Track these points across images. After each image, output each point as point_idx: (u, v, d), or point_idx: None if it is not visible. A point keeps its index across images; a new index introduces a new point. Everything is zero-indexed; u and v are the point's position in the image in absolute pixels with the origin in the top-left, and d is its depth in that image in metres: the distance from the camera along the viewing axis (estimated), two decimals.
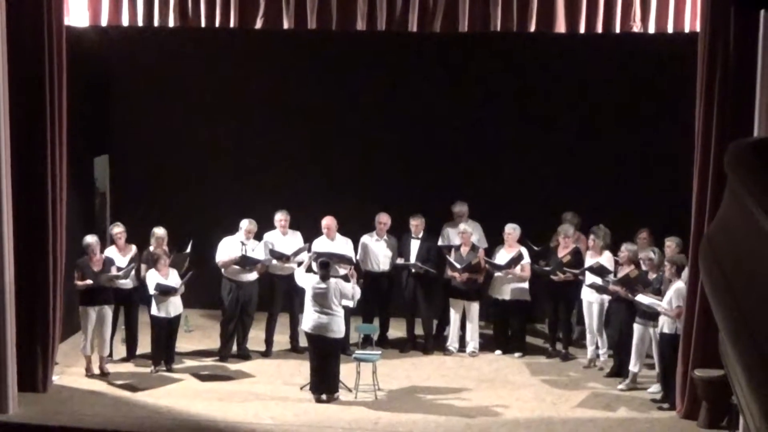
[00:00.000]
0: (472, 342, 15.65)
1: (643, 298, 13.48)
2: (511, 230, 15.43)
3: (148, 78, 17.24)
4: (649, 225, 15.16)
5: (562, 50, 15.73)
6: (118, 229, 15.04)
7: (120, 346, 15.17)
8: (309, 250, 15.26)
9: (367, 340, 15.12)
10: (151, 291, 14.36)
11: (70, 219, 14.29)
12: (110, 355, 14.79)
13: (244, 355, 15.34)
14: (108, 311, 14.43)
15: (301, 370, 14.28)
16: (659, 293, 13.54)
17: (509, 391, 14.11)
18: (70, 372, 14.55)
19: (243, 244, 15.15)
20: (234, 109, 17.17)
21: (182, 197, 17.19)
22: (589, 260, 14.85)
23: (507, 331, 15.82)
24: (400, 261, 15.66)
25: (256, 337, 15.62)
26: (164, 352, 14.67)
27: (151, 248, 14.97)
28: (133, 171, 17.48)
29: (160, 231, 15.06)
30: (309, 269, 14.38)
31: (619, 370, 14.37)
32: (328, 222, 15.47)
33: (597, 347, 15.03)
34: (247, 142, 17.23)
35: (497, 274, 15.47)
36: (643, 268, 14.05)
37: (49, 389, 13.72)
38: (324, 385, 13.51)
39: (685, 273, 13.12)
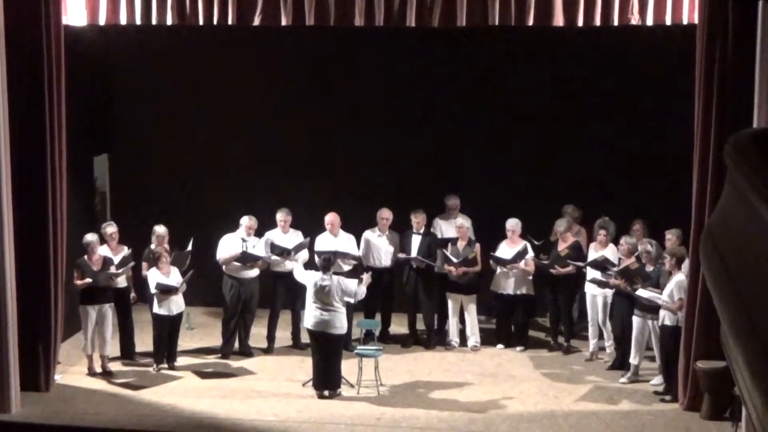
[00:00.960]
0: (473, 336, 15.66)
1: (643, 292, 13.48)
2: (513, 225, 15.43)
3: (147, 76, 17.25)
4: (646, 217, 15.16)
5: (560, 43, 15.73)
6: (112, 229, 15.01)
7: (116, 345, 15.14)
8: (310, 246, 15.28)
9: (368, 336, 15.12)
10: (152, 290, 14.36)
11: (71, 218, 14.28)
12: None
13: (246, 352, 15.35)
14: (108, 310, 14.43)
15: (303, 366, 14.29)
16: (658, 286, 13.54)
17: (512, 385, 14.12)
18: (72, 371, 14.56)
19: (244, 240, 15.16)
20: (233, 106, 17.18)
21: (182, 195, 17.20)
22: (593, 253, 14.85)
23: (510, 325, 15.83)
24: (401, 255, 15.67)
25: (258, 334, 15.64)
26: (166, 350, 14.67)
27: (152, 246, 14.97)
28: (133, 169, 17.50)
29: (160, 229, 15.05)
30: (308, 266, 14.36)
31: (621, 363, 14.38)
32: (331, 218, 15.48)
33: (599, 340, 15.03)
34: (246, 139, 17.23)
35: (500, 269, 15.46)
36: (642, 260, 14.05)
37: (52, 389, 13.73)
38: (326, 381, 13.52)
39: (686, 265, 13.13)
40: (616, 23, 13.05)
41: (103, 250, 14.82)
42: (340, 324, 13.58)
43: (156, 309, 14.47)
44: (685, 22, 12.94)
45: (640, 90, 16.14)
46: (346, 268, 15.04)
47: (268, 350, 15.57)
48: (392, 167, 16.95)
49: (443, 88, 16.83)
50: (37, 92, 13.17)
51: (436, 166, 16.86)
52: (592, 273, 14.65)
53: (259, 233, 15.41)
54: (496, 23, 13.24)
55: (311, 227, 15.62)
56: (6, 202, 12.57)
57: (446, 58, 16.69)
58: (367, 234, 15.82)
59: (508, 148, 16.73)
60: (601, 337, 15.04)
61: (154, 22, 13.82)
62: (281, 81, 17.03)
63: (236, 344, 15.39)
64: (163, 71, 17.19)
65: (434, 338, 15.87)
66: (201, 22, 13.69)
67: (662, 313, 13.33)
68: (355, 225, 15.79)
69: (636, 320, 13.77)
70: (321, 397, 13.45)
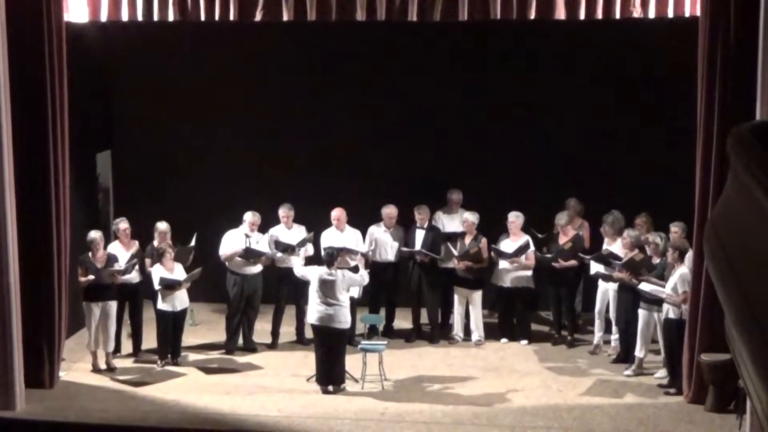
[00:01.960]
0: (477, 330, 15.67)
1: (645, 286, 13.47)
2: (515, 218, 15.42)
3: (149, 73, 17.24)
4: (650, 210, 15.14)
5: (562, 37, 15.71)
6: (124, 225, 15.03)
7: (126, 342, 15.17)
8: (316, 241, 15.29)
9: (372, 331, 15.14)
10: (156, 286, 14.36)
11: (74, 215, 14.31)
12: (117, 350, 14.81)
13: (250, 347, 15.36)
14: (112, 306, 14.43)
15: (307, 361, 14.29)
16: (662, 278, 13.53)
17: (515, 379, 14.12)
18: (76, 368, 14.57)
19: (247, 236, 15.16)
20: (236, 102, 17.17)
21: (185, 191, 17.19)
22: (605, 247, 14.83)
23: (512, 319, 15.83)
24: (405, 250, 15.66)
25: (262, 330, 15.65)
26: (170, 347, 14.67)
27: (155, 243, 14.96)
28: (136, 166, 17.49)
29: (163, 225, 15.04)
30: (313, 260, 14.36)
31: (626, 356, 14.37)
32: (337, 213, 15.48)
33: (604, 333, 15.02)
34: (249, 134, 17.23)
35: (502, 263, 15.46)
36: (648, 253, 14.04)
37: (56, 385, 13.74)
38: (331, 376, 13.52)
39: (689, 258, 13.11)
40: (618, 16, 13.05)
41: (115, 246, 14.86)
42: (344, 318, 13.58)
43: (160, 305, 14.47)
44: (687, 14, 12.94)
45: (642, 83, 16.12)
46: (352, 263, 15.04)
47: (272, 346, 15.57)
48: (395, 162, 16.93)
49: (445, 82, 16.82)
50: (40, 89, 13.16)
51: (438, 161, 16.84)
52: (596, 267, 14.63)
53: (262, 229, 15.41)
54: (498, 17, 13.24)
55: (317, 223, 15.62)
56: (9, 199, 12.58)
57: (448, 53, 16.68)
58: (373, 229, 15.82)
59: (510, 141, 16.71)
60: (608, 330, 15.01)
61: (155, 18, 13.82)
62: (284, 76, 17.02)
63: (240, 340, 15.40)
64: (165, 67, 17.19)
65: (438, 333, 15.87)
66: (203, 18, 13.70)
67: (666, 306, 13.32)
68: (360, 220, 15.78)
69: (642, 313, 13.76)
70: (325, 392, 13.45)
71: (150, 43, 16.40)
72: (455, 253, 15.35)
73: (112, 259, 14.50)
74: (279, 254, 15.37)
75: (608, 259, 14.49)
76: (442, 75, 16.83)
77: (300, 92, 17.01)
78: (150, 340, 15.04)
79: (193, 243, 15.21)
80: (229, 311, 15.40)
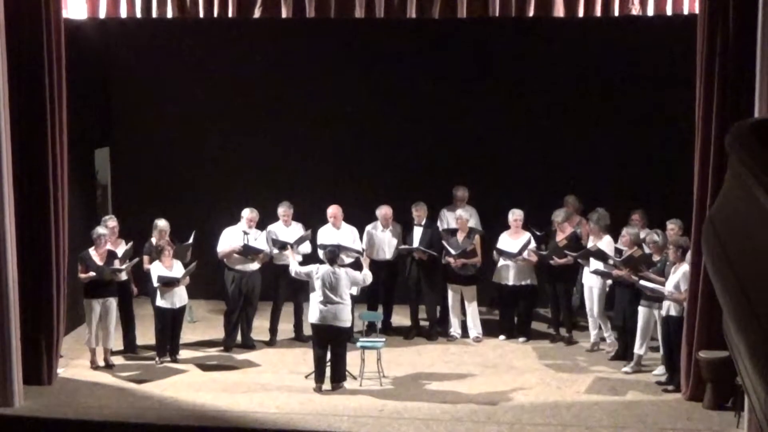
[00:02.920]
0: (475, 328, 15.67)
1: (646, 283, 13.47)
2: (517, 215, 15.41)
3: (148, 69, 17.24)
4: (648, 207, 15.15)
5: (560, 34, 15.72)
6: (113, 223, 15.00)
7: (118, 338, 15.15)
8: (312, 238, 15.30)
9: (371, 328, 15.14)
10: (155, 283, 14.36)
11: (72, 212, 14.30)
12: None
13: (249, 344, 15.36)
14: (112, 303, 14.44)
15: (305, 358, 14.29)
16: (662, 274, 13.53)
17: (514, 376, 14.13)
18: (75, 364, 14.57)
19: (245, 233, 15.16)
20: (234, 99, 17.16)
21: (183, 188, 17.20)
22: (590, 244, 14.84)
23: (513, 316, 15.83)
24: (403, 247, 15.67)
25: (260, 327, 15.65)
26: (169, 344, 14.68)
27: (153, 240, 14.96)
28: (134, 163, 17.50)
29: (162, 222, 15.03)
30: (310, 258, 14.35)
31: (624, 353, 14.38)
32: (334, 211, 15.49)
33: (599, 331, 15.02)
34: (247, 131, 17.22)
35: (502, 260, 15.46)
36: (647, 251, 14.04)
37: (55, 382, 13.75)
38: (333, 374, 13.50)
39: (689, 255, 13.11)
40: (617, 13, 13.05)
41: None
42: (347, 317, 13.60)
43: (158, 302, 14.48)
44: (685, 12, 12.94)
45: (641, 80, 16.13)
46: (348, 261, 15.05)
47: (271, 343, 15.58)
48: (394, 159, 16.95)
49: (444, 79, 16.82)
50: (38, 86, 13.16)
51: (437, 158, 16.85)
52: (595, 264, 14.63)
53: (260, 226, 15.40)
54: (497, 14, 13.24)
55: (313, 220, 15.63)
56: (7, 196, 12.57)
57: (447, 50, 16.67)
58: (370, 228, 15.82)
59: (509, 138, 16.72)
60: (600, 328, 15.02)
61: (154, 15, 13.82)
62: (282, 74, 17.01)
63: (239, 337, 15.40)
64: (163, 64, 17.18)
65: (436, 330, 15.88)
66: (201, 15, 13.70)
67: (666, 303, 13.32)
68: (358, 217, 15.78)
69: (642, 310, 13.75)
70: (320, 390, 13.42)
71: (148, 39, 16.41)
72: (452, 251, 15.35)
73: (112, 255, 14.49)
74: (276, 251, 15.37)
75: (595, 256, 14.46)
76: (440, 72, 16.82)
77: (299, 89, 17.00)
78: (148, 336, 15.03)
79: (191, 240, 15.20)
80: (227, 308, 15.40)
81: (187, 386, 13.78)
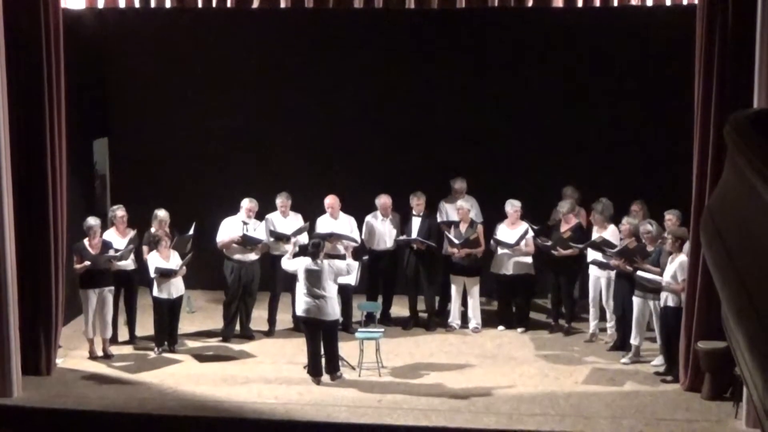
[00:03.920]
0: (474, 318, 15.68)
1: (644, 274, 13.47)
2: (516, 206, 15.40)
3: (146, 60, 17.22)
4: (647, 198, 15.15)
5: (559, 25, 15.71)
6: (121, 212, 14.99)
7: (122, 329, 15.17)
8: (310, 229, 15.29)
9: (369, 318, 15.14)
10: (152, 273, 14.36)
11: (71, 202, 14.29)
12: (114, 337, 14.81)
13: (247, 335, 15.36)
14: (108, 294, 14.43)
15: (303, 348, 14.24)
16: (658, 264, 13.53)
17: (512, 366, 14.13)
18: (73, 355, 14.57)
19: (244, 223, 15.15)
20: (233, 89, 17.15)
21: (183, 178, 17.19)
22: (595, 235, 14.83)
23: (511, 307, 15.83)
24: (402, 237, 15.66)
25: (258, 317, 15.65)
26: (167, 334, 14.68)
27: (153, 230, 14.96)
28: (133, 153, 17.48)
29: (161, 213, 15.03)
30: (296, 255, 14.29)
31: (622, 344, 14.37)
32: (331, 201, 15.48)
33: (600, 321, 15.02)
34: (246, 122, 17.21)
35: (500, 250, 15.45)
36: (643, 240, 14.04)
37: (53, 372, 13.75)
38: (327, 366, 13.48)
39: (687, 245, 13.11)
40: (616, 4, 13.07)
41: (111, 234, 14.83)
42: (332, 310, 13.45)
43: (155, 293, 14.48)
44: (684, 2, 12.94)
45: (639, 71, 16.12)
46: (344, 250, 15.06)
47: (269, 333, 15.58)
48: (393, 150, 16.93)
49: (443, 70, 16.81)
50: (36, 76, 13.15)
51: (436, 149, 16.84)
52: (593, 254, 14.64)
53: (259, 216, 15.40)
54: (496, 5, 13.24)
55: (312, 210, 15.63)
56: (6, 186, 12.56)
57: (446, 41, 16.66)
58: (369, 218, 15.82)
59: (508, 130, 16.71)
60: (602, 318, 15.03)
61: (152, 5, 13.82)
62: (281, 64, 16.99)
63: (237, 327, 15.40)
64: (162, 55, 17.16)
65: (435, 320, 15.88)
66: (200, 5, 13.70)
67: (664, 294, 13.32)
68: (357, 208, 15.78)
69: (636, 301, 13.76)
70: (318, 383, 13.41)
71: (147, 30, 16.40)
72: (455, 241, 15.34)
73: (107, 245, 14.48)
74: (273, 241, 15.36)
75: (602, 247, 14.48)
76: (440, 62, 16.81)
77: (298, 79, 16.99)
78: (147, 327, 15.04)
79: (191, 231, 15.18)
80: (226, 298, 15.39)
81: (185, 376, 13.78)
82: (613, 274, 14.50)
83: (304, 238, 15.33)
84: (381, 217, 15.80)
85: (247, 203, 15.23)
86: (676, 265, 13.18)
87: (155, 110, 17.31)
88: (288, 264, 13.96)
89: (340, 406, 12.66)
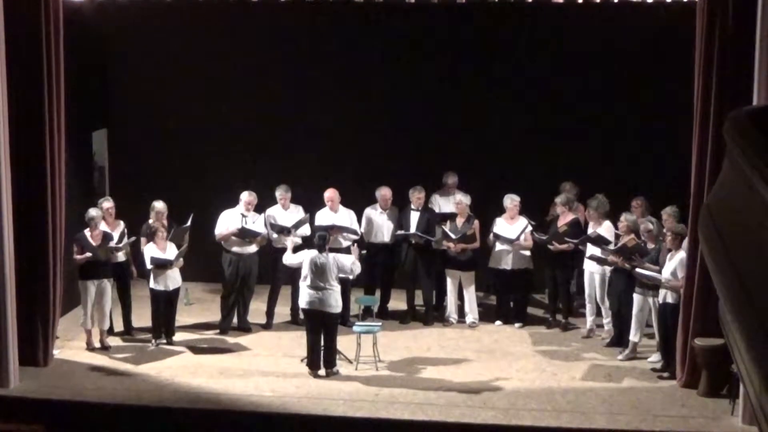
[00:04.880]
0: (472, 313, 15.68)
1: (643, 271, 13.46)
2: (515, 201, 15.39)
3: (146, 51, 17.20)
4: (646, 193, 15.14)
5: (560, 20, 15.69)
6: (108, 204, 14.97)
7: (117, 320, 15.16)
8: (310, 221, 15.30)
9: (367, 312, 15.14)
10: (148, 265, 14.36)
11: (69, 193, 14.29)
12: (111, 329, 14.82)
13: (245, 327, 15.36)
14: (107, 285, 14.44)
15: (301, 342, 14.28)
16: (657, 262, 13.53)
17: (509, 361, 14.13)
18: (70, 346, 14.57)
19: (243, 216, 15.14)
20: (232, 81, 17.14)
21: (181, 171, 17.18)
22: (591, 231, 14.83)
23: (509, 302, 15.83)
24: (400, 232, 15.66)
25: (256, 310, 15.64)
26: (164, 326, 14.67)
27: (150, 221, 14.95)
28: (132, 144, 17.47)
29: (159, 204, 15.03)
30: (307, 241, 14.31)
31: (619, 340, 14.37)
32: (330, 194, 15.48)
33: (596, 317, 15.03)
34: (246, 114, 17.19)
35: (499, 245, 15.45)
36: (642, 238, 14.03)
37: (50, 363, 13.75)
38: (324, 360, 13.48)
39: (686, 242, 13.10)
40: (616, 0, 13.03)
41: (101, 226, 14.81)
42: (336, 302, 13.51)
43: (152, 284, 14.47)
44: None
45: (639, 67, 16.10)
46: (345, 243, 15.06)
47: (267, 326, 15.58)
48: (392, 143, 16.93)
49: (442, 64, 16.80)
50: (36, 67, 13.13)
51: (434, 143, 16.84)
52: (591, 250, 14.63)
53: (258, 209, 15.39)
54: (495, 0, 13.22)
55: (311, 203, 15.62)
56: (5, 177, 12.56)
57: (446, 35, 16.64)
58: (369, 211, 15.83)
59: (507, 124, 16.70)
60: (598, 314, 15.03)
61: None
62: (281, 56, 16.97)
63: (235, 320, 15.40)
64: (162, 46, 17.14)
65: (432, 314, 15.89)
66: None
67: (663, 291, 13.32)
68: (356, 201, 15.77)
69: (636, 297, 13.76)
70: (316, 376, 13.42)
71: (147, 20, 16.37)
72: (453, 236, 15.33)
73: (107, 237, 14.48)
74: (275, 235, 15.37)
75: (597, 242, 14.47)
76: (439, 57, 16.80)
77: (297, 72, 16.97)
78: (144, 318, 15.03)
79: (189, 223, 15.18)
80: (224, 291, 15.39)
81: (182, 368, 13.78)
82: (608, 270, 14.50)
83: (305, 230, 15.33)
84: (380, 209, 15.79)
85: (246, 196, 15.22)
86: (675, 262, 13.18)
87: (154, 102, 17.27)
88: (291, 258, 13.98)
89: (336, 399, 12.66)
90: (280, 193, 15.47)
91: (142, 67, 17.25)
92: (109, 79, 17.62)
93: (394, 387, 13.10)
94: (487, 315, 15.87)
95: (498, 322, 15.75)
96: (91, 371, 13.69)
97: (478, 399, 12.73)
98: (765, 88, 11.32)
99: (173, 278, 14.54)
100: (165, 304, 14.57)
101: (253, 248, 15.30)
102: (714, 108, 12.10)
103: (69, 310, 15.43)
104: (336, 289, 13.51)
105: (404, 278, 15.96)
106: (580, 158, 16.29)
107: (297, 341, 14.60)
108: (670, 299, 13.26)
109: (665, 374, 13.42)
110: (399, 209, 15.86)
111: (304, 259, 13.58)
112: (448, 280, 15.74)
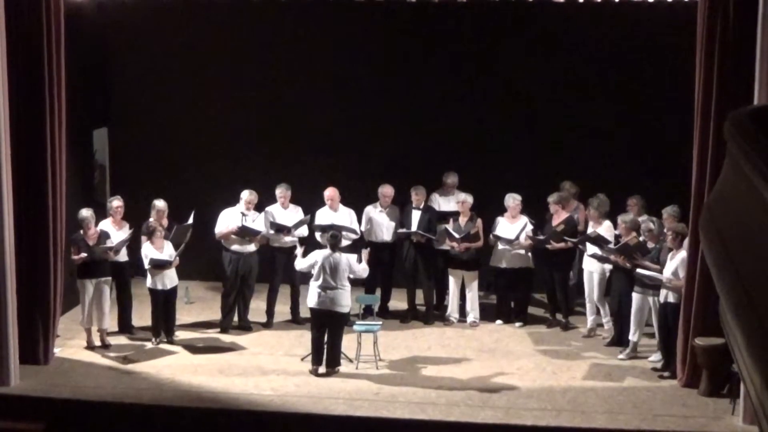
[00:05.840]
0: (473, 312, 15.67)
1: (645, 271, 13.45)
2: (517, 200, 15.37)
3: (147, 49, 17.20)
4: (646, 194, 15.13)
5: (560, 18, 15.68)
6: (117, 203, 14.99)
7: (114, 318, 15.15)
8: (310, 222, 15.29)
9: (368, 311, 15.14)
10: (146, 264, 14.36)
11: (70, 192, 14.28)
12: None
13: (245, 326, 15.36)
14: (105, 284, 14.44)
15: (301, 341, 14.30)
16: (658, 261, 13.52)
17: (510, 361, 14.13)
18: (71, 344, 14.57)
19: (243, 215, 15.14)
20: (233, 79, 17.14)
21: (182, 169, 17.19)
22: (590, 230, 14.82)
23: (510, 301, 15.82)
24: (401, 230, 15.65)
25: (257, 309, 15.64)
26: (164, 324, 14.68)
27: (151, 220, 14.95)
28: (133, 143, 17.46)
29: (160, 203, 15.04)
30: (306, 242, 14.30)
31: (619, 339, 14.37)
32: (330, 193, 15.48)
33: (596, 316, 15.02)
34: (247, 113, 17.19)
35: (500, 245, 15.44)
36: (643, 237, 14.02)
37: (51, 362, 13.75)
38: (328, 358, 13.48)
39: (687, 242, 13.10)
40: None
41: (106, 224, 14.82)
42: (346, 302, 13.53)
43: (149, 284, 14.47)
44: None
45: (640, 66, 16.11)
46: (345, 242, 15.07)
47: (267, 325, 15.57)
48: (392, 142, 16.92)
49: (443, 62, 16.80)
50: (37, 65, 13.13)
51: (435, 142, 16.83)
52: (592, 248, 14.63)
53: (259, 208, 15.39)
54: None
55: (311, 202, 15.61)
56: (5, 176, 12.56)
57: (447, 33, 16.63)
58: (369, 209, 15.83)
59: (507, 123, 16.71)
60: (598, 313, 15.03)
61: None
62: (282, 54, 16.98)
63: (235, 318, 15.40)
64: (162, 44, 17.14)
65: (433, 314, 15.88)
66: None
67: (664, 290, 13.31)
68: (356, 200, 15.77)
69: (636, 297, 13.75)
70: (316, 374, 13.42)
71: (148, 19, 16.37)
72: (456, 236, 15.32)
73: (103, 236, 14.48)
74: (272, 232, 15.36)
75: (596, 242, 14.46)
76: (440, 56, 16.80)
77: (299, 70, 16.97)
78: (145, 317, 15.03)
79: (190, 221, 15.18)
80: (224, 289, 15.40)
81: (182, 367, 13.78)
82: (607, 269, 14.51)
83: (303, 231, 15.34)
84: (380, 208, 15.79)
85: (246, 195, 15.22)
86: (677, 262, 13.17)
87: (155, 100, 17.28)
88: (302, 263, 13.91)
89: (337, 398, 12.66)
90: (280, 191, 15.46)
91: (142, 66, 17.25)
92: (110, 78, 17.63)
93: (394, 386, 13.10)
94: (487, 314, 15.87)
95: (498, 322, 15.75)
96: (91, 370, 13.70)
97: (479, 398, 12.73)
98: (765, 88, 11.32)
99: (170, 277, 14.54)
100: (163, 303, 14.56)
101: (253, 247, 15.30)
102: (714, 107, 12.09)
103: (69, 308, 15.43)
104: (348, 288, 13.53)
105: (405, 277, 15.96)
106: (580, 158, 16.28)
107: (297, 340, 14.62)
108: (671, 299, 13.25)
109: (666, 374, 13.41)
110: (400, 208, 15.85)
111: (317, 260, 13.57)
112: (451, 280, 15.73)
